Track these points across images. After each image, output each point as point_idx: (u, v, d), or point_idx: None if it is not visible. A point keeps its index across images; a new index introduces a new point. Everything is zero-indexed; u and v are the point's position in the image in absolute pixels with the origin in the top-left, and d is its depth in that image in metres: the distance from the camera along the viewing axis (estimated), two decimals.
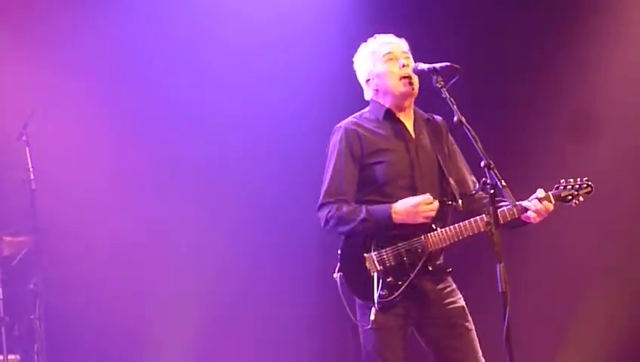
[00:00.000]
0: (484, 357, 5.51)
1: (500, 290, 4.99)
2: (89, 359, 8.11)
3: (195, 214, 8.33)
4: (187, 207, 8.30)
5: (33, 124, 7.57)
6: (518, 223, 5.26)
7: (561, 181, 5.33)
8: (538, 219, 5.21)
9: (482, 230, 5.17)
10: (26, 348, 7.65)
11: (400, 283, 5.35)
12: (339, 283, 5.43)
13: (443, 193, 5.42)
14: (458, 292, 5.49)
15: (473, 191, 5.49)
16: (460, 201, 5.38)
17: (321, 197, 5.53)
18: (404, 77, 5.43)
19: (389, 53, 5.51)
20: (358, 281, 5.41)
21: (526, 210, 5.22)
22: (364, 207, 5.37)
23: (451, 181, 5.46)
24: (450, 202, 5.37)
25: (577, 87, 8.14)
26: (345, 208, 5.42)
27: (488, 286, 5.35)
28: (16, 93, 8.03)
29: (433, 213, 5.27)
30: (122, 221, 8.12)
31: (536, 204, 5.19)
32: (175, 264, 8.26)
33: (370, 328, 5.36)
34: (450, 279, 5.48)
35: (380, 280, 5.35)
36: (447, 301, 5.42)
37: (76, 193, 8.06)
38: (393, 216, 5.30)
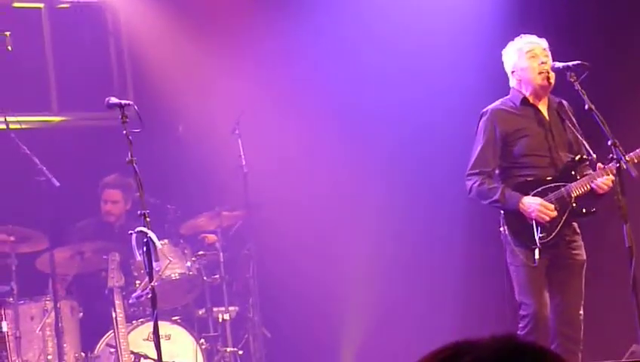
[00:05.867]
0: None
1: (626, 245, 5.77)
2: (294, 310, 8.58)
3: (380, 196, 8.66)
4: (371, 190, 8.68)
5: (244, 121, 8.21)
6: None
7: None
8: None
9: (611, 173, 5.98)
10: (243, 301, 8.29)
11: (556, 224, 6.09)
12: (506, 233, 6.21)
13: (578, 153, 6.23)
14: (583, 248, 6.26)
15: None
16: (594, 155, 6.16)
17: (469, 168, 6.31)
18: (542, 72, 6.15)
19: (531, 50, 6.21)
20: (520, 230, 6.16)
21: None
22: (499, 190, 6.17)
23: (584, 143, 6.20)
24: (587, 157, 6.20)
25: None
26: (485, 185, 6.20)
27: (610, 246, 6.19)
28: (230, 94, 8.68)
29: (547, 218, 6.05)
30: (315, 198, 8.62)
31: None
32: (357, 240, 8.62)
33: (526, 266, 6.13)
34: (580, 237, 6.27)
35: (539, 226, 6.09)
36: (576, 251, 6.24)
37: (280, 176, 8.56)
38: (520, 206, 6.09)
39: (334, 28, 8.69)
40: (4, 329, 7.38)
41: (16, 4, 8.83)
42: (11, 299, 7.48)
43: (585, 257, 6.24)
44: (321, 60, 8.73)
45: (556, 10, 8.32)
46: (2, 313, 7.45)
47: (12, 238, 7.57)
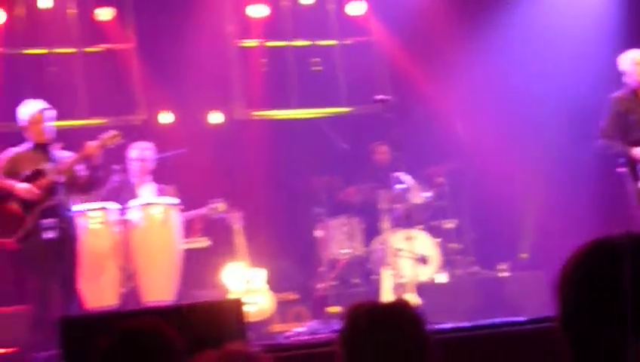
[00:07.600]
0: None
1: None
2: (491, 220, 8.61)
3: (542, 152, 8.86)
4: (536, 149, 8.86)
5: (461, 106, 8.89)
6: None
7: None
8: None
9: None
10: (460, 216, 8.44)
11: None
12: (624, 171, 6.56)
13: None
14: None
15: None
16: None
17: (600, 132, 6.84)
18: None
19: (637, 61, 6.82)
20: (632, 169, 6.51)
21: None
22: (619, 145, 6.69)
23: None
24: None
25: None
26: (610, 142, 6.77)
27: None
28: (448, 90, 9.02)
29: None
30: (502, 152, 8.69)
31: None
32: (528, 174, 8.90)
33: (636, 190, 6.44)
34: None
35: None
36: None
37: (480, 139, 8.76)
38: (632, 153, 6.58)
39: (512, 35, 8.84)
40: (318, 235, 8.23)
41: (317, 43, 9.37)
42: (323, 217, 8.35)
43: None
44: (507, 61, 8.80)
45: None
46: (318, 226, 8.27)
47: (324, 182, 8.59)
